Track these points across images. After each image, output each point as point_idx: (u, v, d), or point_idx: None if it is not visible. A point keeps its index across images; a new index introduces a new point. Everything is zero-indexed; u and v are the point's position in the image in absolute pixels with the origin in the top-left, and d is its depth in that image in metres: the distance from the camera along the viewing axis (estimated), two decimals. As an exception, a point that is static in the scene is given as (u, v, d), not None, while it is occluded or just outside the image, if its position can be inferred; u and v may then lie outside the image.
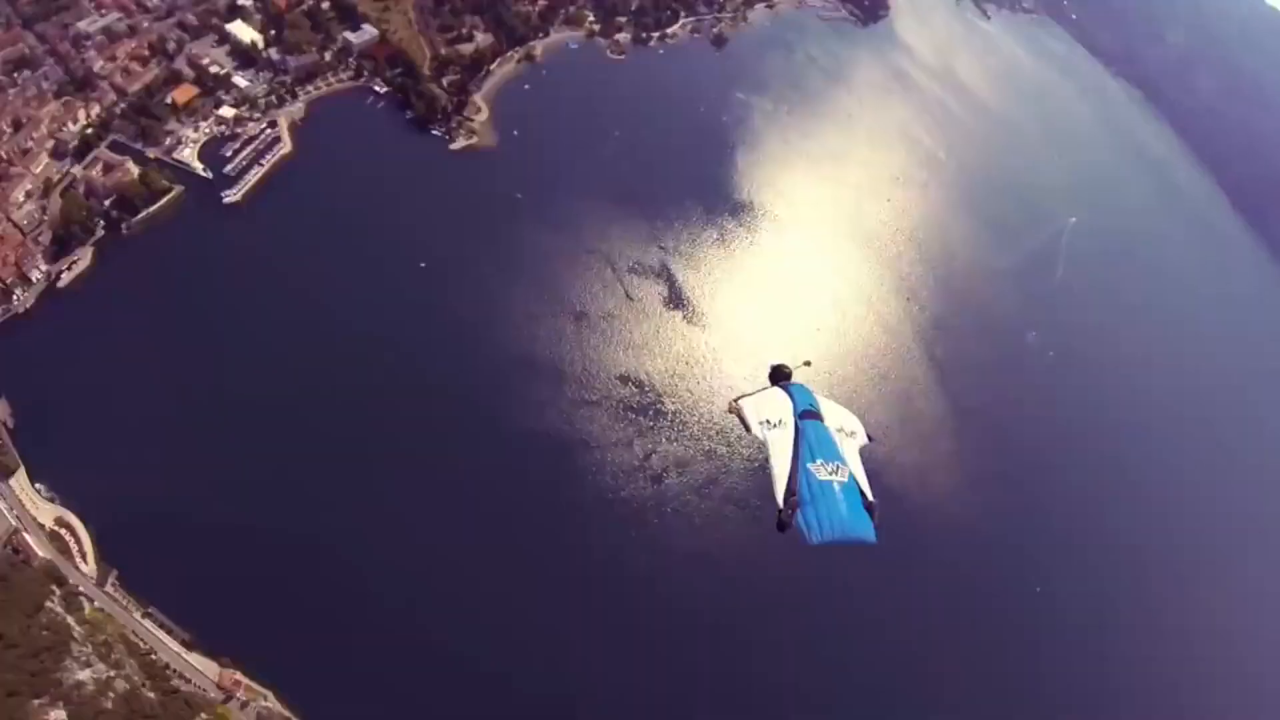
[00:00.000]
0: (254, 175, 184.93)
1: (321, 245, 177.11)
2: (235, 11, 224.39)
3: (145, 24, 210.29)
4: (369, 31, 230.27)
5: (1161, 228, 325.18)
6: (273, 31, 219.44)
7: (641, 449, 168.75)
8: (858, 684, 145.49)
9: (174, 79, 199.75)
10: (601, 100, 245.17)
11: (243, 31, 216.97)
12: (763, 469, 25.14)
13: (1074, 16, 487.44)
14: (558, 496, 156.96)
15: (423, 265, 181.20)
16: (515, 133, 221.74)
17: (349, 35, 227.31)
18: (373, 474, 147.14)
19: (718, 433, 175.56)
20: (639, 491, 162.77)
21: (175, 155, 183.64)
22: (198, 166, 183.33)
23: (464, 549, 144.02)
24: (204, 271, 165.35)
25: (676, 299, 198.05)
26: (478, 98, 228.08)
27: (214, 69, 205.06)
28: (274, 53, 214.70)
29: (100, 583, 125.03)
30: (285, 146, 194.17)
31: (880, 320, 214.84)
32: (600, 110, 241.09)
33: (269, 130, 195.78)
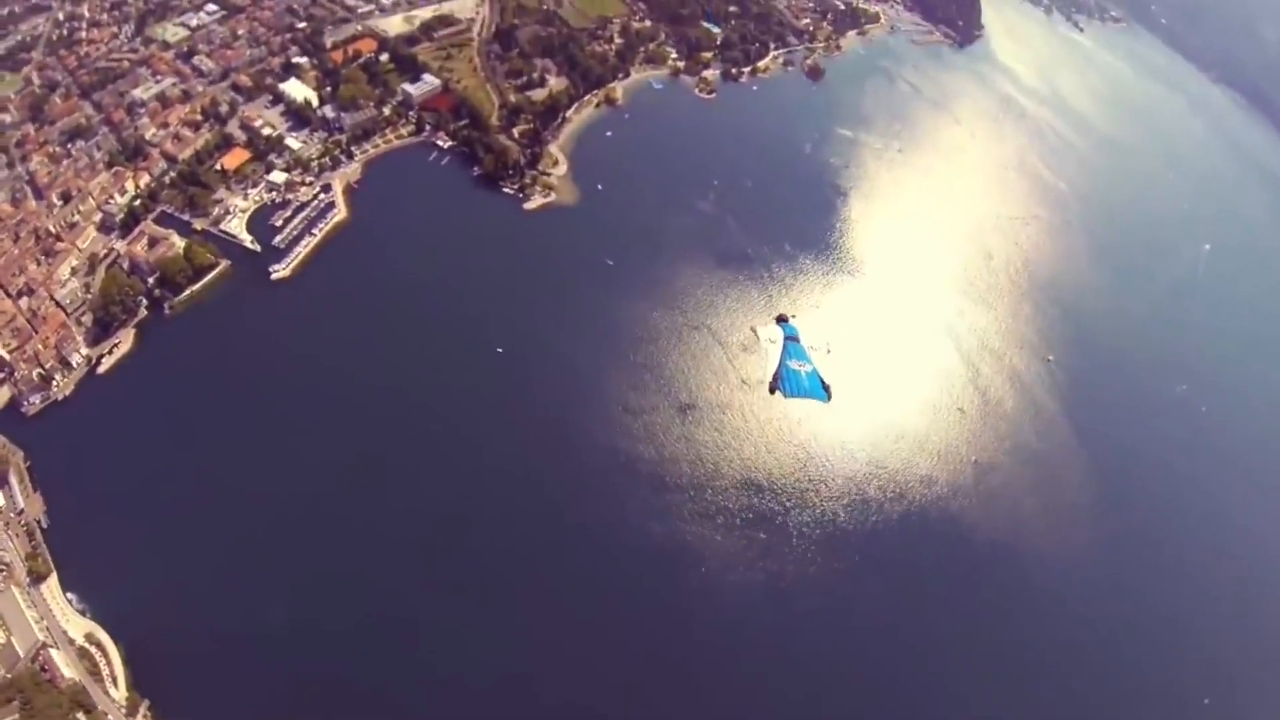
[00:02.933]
0: (305, 246, 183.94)
1: (379, 326, 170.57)
2: (290, 70, 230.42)
3: (200, 88, 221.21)
4: (430, 82, 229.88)
5: None
6: (328, 88, 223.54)
7: (764, 569, 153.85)
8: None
9: (225, 143, 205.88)
10: (694, 144, 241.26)
11: (296, 90, 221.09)
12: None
13: (1163, 21, 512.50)
14: (668, 633, 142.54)
15: (499, 350, 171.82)
16: (599, 186, 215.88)
17: (408, 87, 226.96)
18: (439, 600, 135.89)
19: (856, 542, 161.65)
20: (765, 627, 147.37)
21: (223, 226, 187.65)
22: (245, 238, 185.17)
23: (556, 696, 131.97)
24: (248, 357, 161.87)
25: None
26: (554, 148, 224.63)
27: (266, 131, 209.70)
28: (329, 110, 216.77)
29: (130, 713, 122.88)
30: (339, 212, 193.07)
31: (1020, 385, 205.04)
32: (693, 156, 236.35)
33: (322, 195, 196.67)
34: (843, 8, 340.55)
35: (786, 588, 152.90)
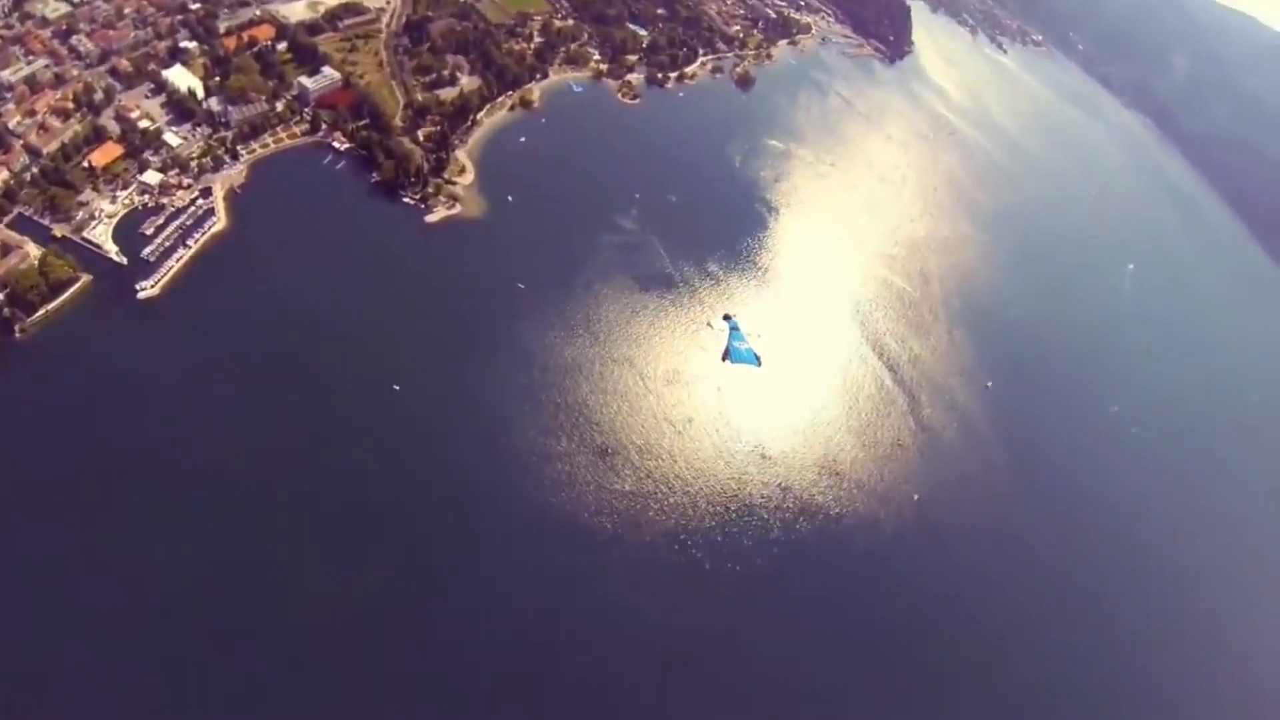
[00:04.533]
0: (177, 260, 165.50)
1: (257, 358, 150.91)
2: (177, 55, 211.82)
3: (75, 72, 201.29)
4: (329, 76, 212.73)
5: (1205, 272, 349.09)
6: (216, 78, 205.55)
7: (701, 632, 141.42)
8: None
9: (96, 136, 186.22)
10: (615, 154, 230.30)
11: (180, 78, 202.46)
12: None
13: (1080, 48, 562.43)
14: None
15: (396, 388, 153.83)
16: (509, 198, 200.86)
17: (304, 80, 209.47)
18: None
19: (790, 588, 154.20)
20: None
21: (86, 233, 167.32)
22: (111, 249, 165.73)
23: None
24: (107, 394, 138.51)
25: (728, 422, 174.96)
26: (461, 154, 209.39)
27: (143, 123, 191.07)
28: (215, 102, 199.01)
29: None
30: (219, 221, 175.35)
31: (959, 413, 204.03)
32: (615, 166, 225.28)
33: (200, 201, 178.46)
34: (774, 16, 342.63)
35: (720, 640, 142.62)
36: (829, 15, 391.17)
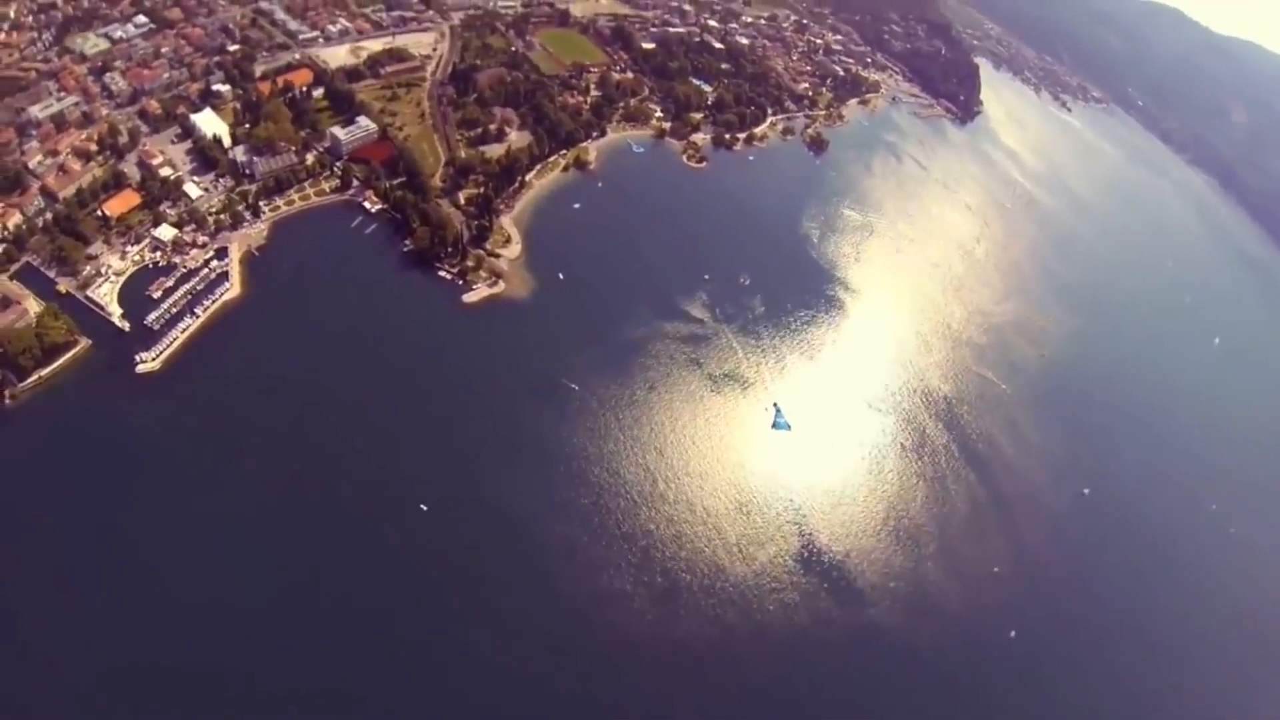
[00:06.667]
0: (183, 330, 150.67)
1: (260, 460, 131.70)
2: (208, 98, 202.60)
3: (104, 111, 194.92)
4: (364, 126, 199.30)
5: None
6: (246, 125, 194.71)
7: None
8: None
9: (115, 183, 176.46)
10: (681, 225, 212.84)
11: (208, 123, 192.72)
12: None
13: (1140, 103, 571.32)
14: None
15: (424, 508, 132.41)
16: (560, 275, 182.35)
17: (338, 131, 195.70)
18: None
19: None
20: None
21: (91, 291, 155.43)
22: (114, 311, 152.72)
23: None
24: (97, 479, 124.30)
25: (800, 555, 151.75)
26: (507, 220, 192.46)
27: (165, 171, 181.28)
28: (240, 152, 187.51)
29: None
30: (232, 288, 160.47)
31: (1053, 520, 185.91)
32: (680, 240, 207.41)
33: (214, 263, 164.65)
34: (842, 74, 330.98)
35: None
36: (896, 73, 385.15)
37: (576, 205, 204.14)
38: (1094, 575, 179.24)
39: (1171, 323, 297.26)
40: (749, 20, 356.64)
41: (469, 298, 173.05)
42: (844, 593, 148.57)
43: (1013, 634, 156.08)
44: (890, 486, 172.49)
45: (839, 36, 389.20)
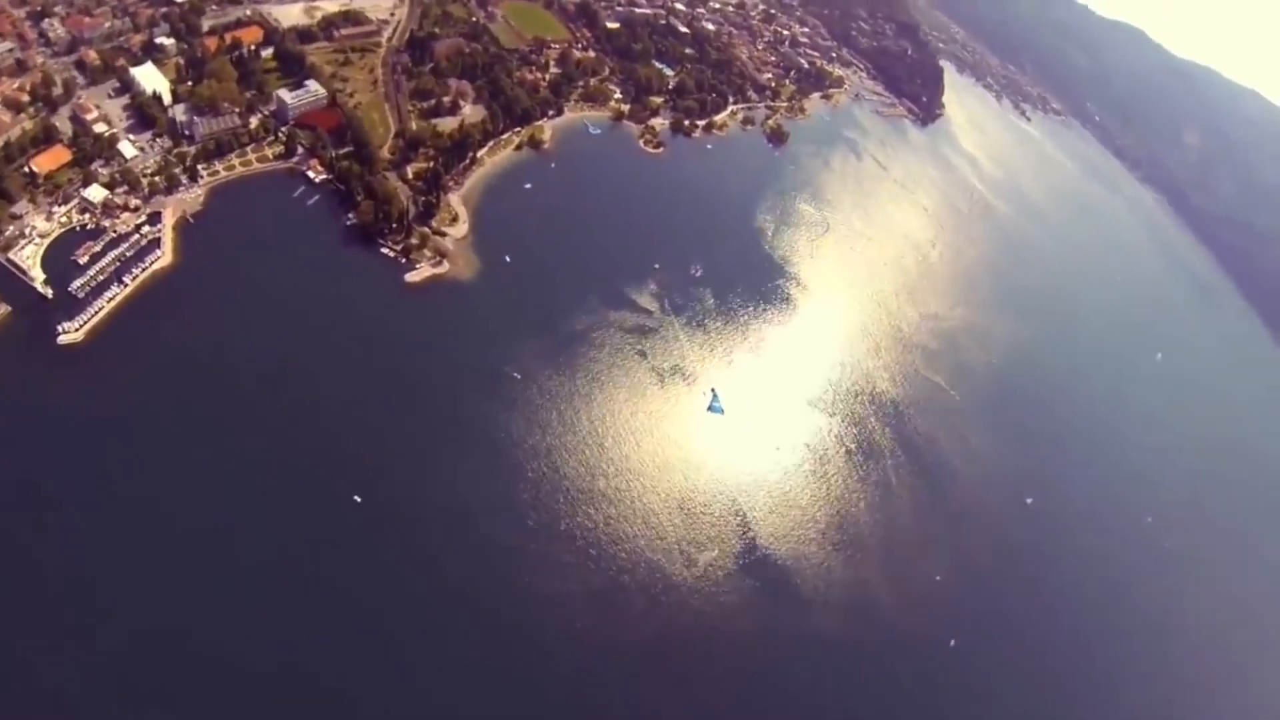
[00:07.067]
0: (109, 300, 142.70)
1: (186, 441, 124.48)
2: (151, 52, 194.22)
3: (39, 59, 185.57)
4: (312, 91, 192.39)
5: (1221, 359, 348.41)
6: (189, 83, 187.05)
7: None
8: None
9: (46, 137, 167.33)
10: (635, 211, 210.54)
11: (148, 78, 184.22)
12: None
13: (1097, 118, 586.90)
14: None
15: (357, 499, 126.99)
16: (507, 258, 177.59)
17: (285, 94, 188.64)
18: None
19: None
20: None
21: (13, 254, 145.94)
22: (38, 276, 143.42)
23: None
24: (6, 460, 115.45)
25: (740, 557, 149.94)
26: (455, 198, 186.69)
27: (99, 127, 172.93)
28: (180, 111, 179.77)
29: None
30: (163, 256, 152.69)
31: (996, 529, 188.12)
32: (633, 227, 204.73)
33: (146, 229, 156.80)
34: (807, 67, 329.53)
35: None
36: (861, 70, 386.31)
37: (528, 185, 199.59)
38: (1034, 585, 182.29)
39: (1119, 337, 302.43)
40: (716, 6, 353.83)
41: (412, 277, 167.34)
42: (782, 598, 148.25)
43: (952, 642, 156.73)
44: (834, 489, 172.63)
45: (806, 29, 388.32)
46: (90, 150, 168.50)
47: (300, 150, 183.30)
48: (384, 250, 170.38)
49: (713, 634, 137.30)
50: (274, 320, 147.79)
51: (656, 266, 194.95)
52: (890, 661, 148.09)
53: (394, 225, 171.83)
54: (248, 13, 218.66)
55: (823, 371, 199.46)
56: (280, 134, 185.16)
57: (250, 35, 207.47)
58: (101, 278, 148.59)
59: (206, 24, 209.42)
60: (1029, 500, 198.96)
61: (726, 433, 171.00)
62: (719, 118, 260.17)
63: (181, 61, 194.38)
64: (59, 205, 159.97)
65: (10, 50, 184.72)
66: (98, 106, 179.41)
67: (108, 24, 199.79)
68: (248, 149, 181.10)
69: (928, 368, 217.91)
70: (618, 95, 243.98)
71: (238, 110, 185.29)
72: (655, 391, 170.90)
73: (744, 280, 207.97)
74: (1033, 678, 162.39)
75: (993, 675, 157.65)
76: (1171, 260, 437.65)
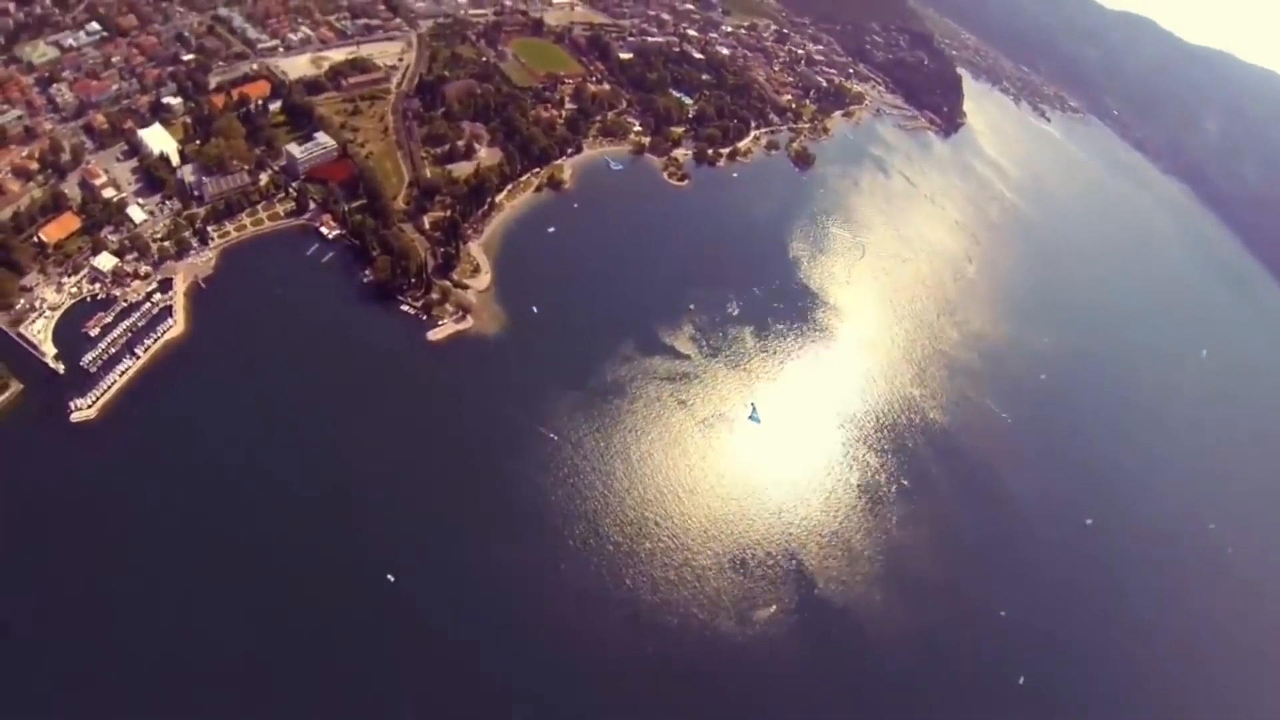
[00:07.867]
0: (121, 373, 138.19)
1: (204, 524, 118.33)
2: (159, 112, 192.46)
3: (48, 125, 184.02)
4: (322, 144, 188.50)
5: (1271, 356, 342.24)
6: (197, 142, 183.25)
7: None
8: None
9: (55, 205, 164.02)
10: (663, 249, 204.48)
11: (156, 140, 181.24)
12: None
13: (1115, 112, 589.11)
14: None
15: (390, 578, 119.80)
16: (534, 309, 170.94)
17: (294, 149, 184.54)
18: None
19: None
20: None
21: (24, 329, 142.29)
22: (49, 351, 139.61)
23: None
24: (24, 548, 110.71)
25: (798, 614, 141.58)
26: (475, 247, 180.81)
27: (108, 192, 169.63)
28: (189, 171, 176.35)
29: None
30: (175, 325, 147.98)
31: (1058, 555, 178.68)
32: (663, 266, 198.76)
33: (157, 296, 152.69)
34: (825, 85, 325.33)
35: None
36: (879, 84, 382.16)
37: (551, 229, 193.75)
38: (1102, 614, 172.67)
39: (1162, 338, 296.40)
40: (729, 30, 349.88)
41: (434, 335, 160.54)
42: (848, 649, 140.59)
43: (1021, 680, 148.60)
44: (889, 526, 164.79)
45: (820, 46, 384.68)
46: (99, 216, 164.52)
47: (312, 206, 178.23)
48: (404, 308, 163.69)
49: (772, 685, 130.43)
50: (292, 390, 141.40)
51: (691, 307, 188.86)
52: (959, 704, 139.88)
53: (413, 280, 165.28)
54: (254, 67, 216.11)
55: (868, 404, 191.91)
56: (291, 190, 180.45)
57: (257, 90, 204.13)
58: (113, 350, 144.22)
59: (213, 80, 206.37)
60: (1089, 521, 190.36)
61: (774, 478, 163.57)
62: (743, 144, 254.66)
63: (189, 120, 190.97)
64: (69, 275, 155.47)
65: (19, 118, 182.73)
66: (106, 171, 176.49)
67: (115, 86, 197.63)
68: (258, 207, 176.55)
69: (976, 391, 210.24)
70: (637, 128, 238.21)
71: (247, 168, 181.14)
72: (698, 442, 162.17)
73: (783, 315, 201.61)
74: (1104, 712, 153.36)
75: (1060, 712, 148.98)
76: (1203, 252, 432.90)
